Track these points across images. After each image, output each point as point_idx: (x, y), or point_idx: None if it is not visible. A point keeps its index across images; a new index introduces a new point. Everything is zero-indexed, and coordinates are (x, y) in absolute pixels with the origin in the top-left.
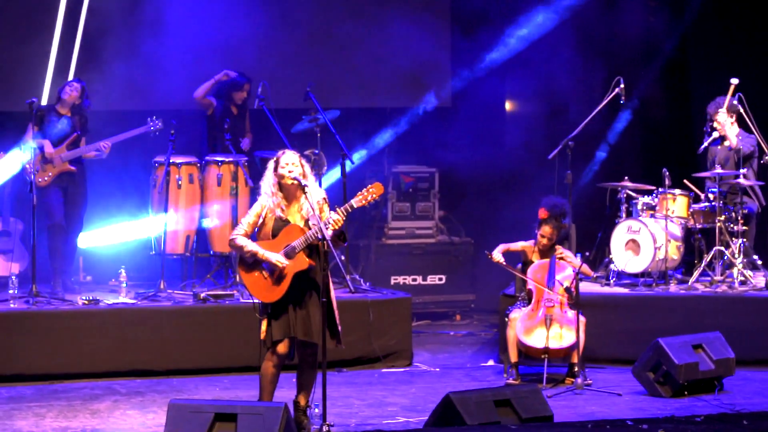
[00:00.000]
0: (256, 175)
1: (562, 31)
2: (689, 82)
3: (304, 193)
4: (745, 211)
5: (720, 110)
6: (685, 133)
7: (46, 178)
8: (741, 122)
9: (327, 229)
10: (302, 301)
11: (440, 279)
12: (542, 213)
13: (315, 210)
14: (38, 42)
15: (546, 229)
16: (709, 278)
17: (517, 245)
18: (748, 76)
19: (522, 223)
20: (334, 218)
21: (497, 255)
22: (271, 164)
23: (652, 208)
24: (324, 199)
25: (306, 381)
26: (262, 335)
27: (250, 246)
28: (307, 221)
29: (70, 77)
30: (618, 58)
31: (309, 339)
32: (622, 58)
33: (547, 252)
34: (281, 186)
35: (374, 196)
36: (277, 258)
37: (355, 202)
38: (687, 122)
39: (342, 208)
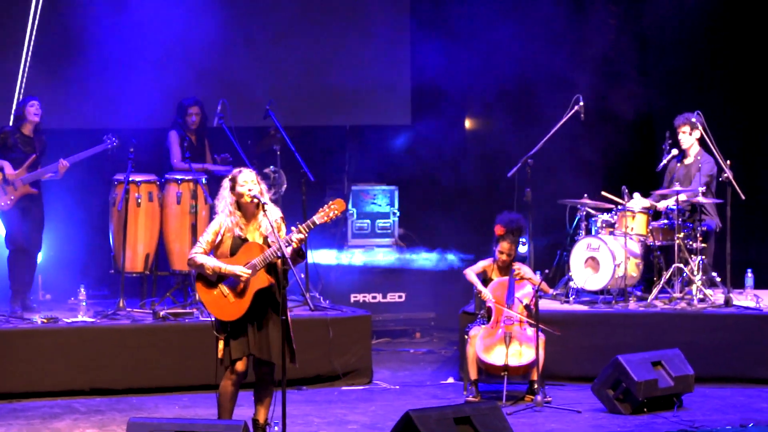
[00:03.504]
0: (215, 194)
1: (525, 49)
2: (651, 100)
3: (264, 211)
4: (704, 229)
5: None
6: (645, 151)
7: (8, 202)
8: (701, 142)
9: (288, 246)
10: (261, 319)
11: (400, 297)
12: (498, 230)
13: (274, 228)
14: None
15: (504, 245)
16: (668, 295)
17: (479, 266)
18: (708, 97)
19: (482, 240)
20: (297, 237)
21: (486, 293)
22: (227, 182)
23: (611, 225)
24: (281, 218)
25: (264, 399)
26: (220, 354)
27: (211, 262)
28: (266, 239)
29: (17, 95)
30: (580, 76)
31: (267, 358)
32: (583, 75)
33: (506, 268)
34: (239, 204)
35: (336, 212)
36: (241, 270)
37: (318, 218)
38: (647, 140)
39: (304, 224)
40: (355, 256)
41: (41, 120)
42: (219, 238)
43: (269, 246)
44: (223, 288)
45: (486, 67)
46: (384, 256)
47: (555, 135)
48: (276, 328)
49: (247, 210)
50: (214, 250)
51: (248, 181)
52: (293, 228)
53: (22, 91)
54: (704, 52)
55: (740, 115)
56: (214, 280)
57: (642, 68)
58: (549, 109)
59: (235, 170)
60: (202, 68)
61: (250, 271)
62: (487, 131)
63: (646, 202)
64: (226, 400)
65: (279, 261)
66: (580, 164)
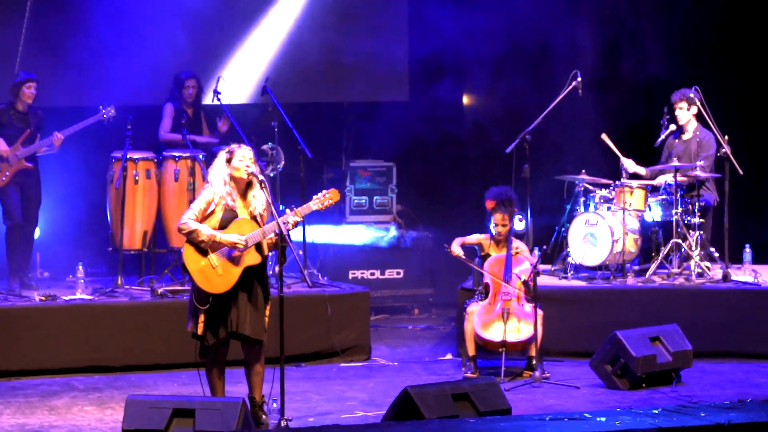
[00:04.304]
0: None
1: (520, 25)
2: (647, 74)
3: (263, 188)
4: (702, 204)
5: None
6: (642, 126)
7: (3, 178)
8: (699, 118)
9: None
10: (245, 296)
11: (398, 273)
12: (489, 204)
13: (271, 206)
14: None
15: (498, 217)
16: (666, 271)
17: (473, 238)
18: (706, 72)
19: (480, 216)
20: (294, 219)
21: (456, 248)
22: (223, 155)
23: (609, 201)
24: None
25: (256, 377)
26: (200, 331)
27: (206, 230)
28: (254, 217)
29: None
30: (574, 52)
31: (254, 336)
32: (579, 51)
33: (504, 242)
34: (232, 178)
35: (331, 202)
36: (238, 238)
37: (314, 205)
38: (645, 115)
39: (299, 209)
40: (353, 233)
41: (37, 97)
42: (212, 207)
43: (259, 225)
44: (213, 259)
45: (483, 41)
46: (382, 232)
47: (553, 109)
48: (260, 306)
49: (239, 186)
50: (203, 220)
51: (246, 157)
52: (288, 210)
53: (18, 67)
54: (711, 26)
55: (743, 89)
56: (206, 248)
57: (648, 40)
58: (551, 81)
59: (234, 144)
60: (199, 44)
61: (246, 240)
62: (485, 106)
63: (641, 170)
64: (215, 378)
65: (275, 238)
66: (579, 139)
